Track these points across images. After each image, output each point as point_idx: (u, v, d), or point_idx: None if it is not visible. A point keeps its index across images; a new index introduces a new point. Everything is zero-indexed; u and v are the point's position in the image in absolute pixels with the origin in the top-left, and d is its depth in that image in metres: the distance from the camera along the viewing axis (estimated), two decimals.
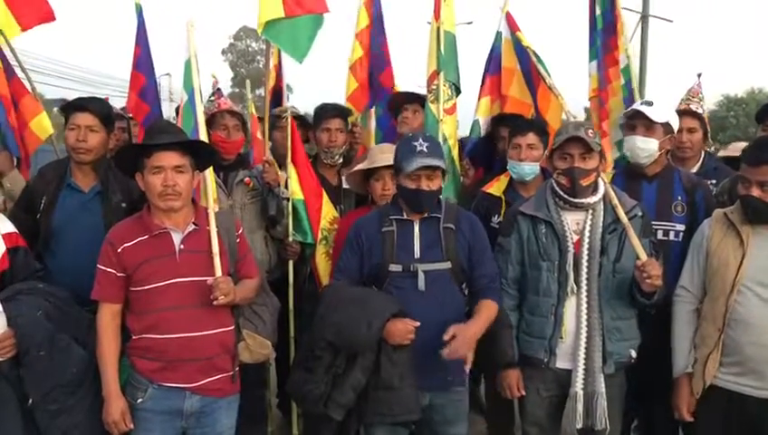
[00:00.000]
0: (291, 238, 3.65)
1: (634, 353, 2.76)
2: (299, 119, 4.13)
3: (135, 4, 3.84)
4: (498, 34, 4.04)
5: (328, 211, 3.71)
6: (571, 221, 2.76)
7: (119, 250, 2.51)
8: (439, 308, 2.63)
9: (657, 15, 18.27)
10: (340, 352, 2.58)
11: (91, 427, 2.53)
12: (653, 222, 2.93)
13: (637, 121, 3.11)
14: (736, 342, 2.53)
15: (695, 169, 3.54)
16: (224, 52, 43.59)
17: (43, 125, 4.04)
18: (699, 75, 3.85)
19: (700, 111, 3.67)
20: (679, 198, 3.10)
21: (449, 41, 3.77)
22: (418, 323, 2.54)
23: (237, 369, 2.69)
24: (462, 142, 3.98)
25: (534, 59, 3.76)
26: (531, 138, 3.40)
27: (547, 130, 3.52)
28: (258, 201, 3.56)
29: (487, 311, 2.66)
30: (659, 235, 3.02)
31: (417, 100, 4.03)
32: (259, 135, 4.06)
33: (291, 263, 3.69)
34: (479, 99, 4.07)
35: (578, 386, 2.68)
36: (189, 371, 2.53)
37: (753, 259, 2.53)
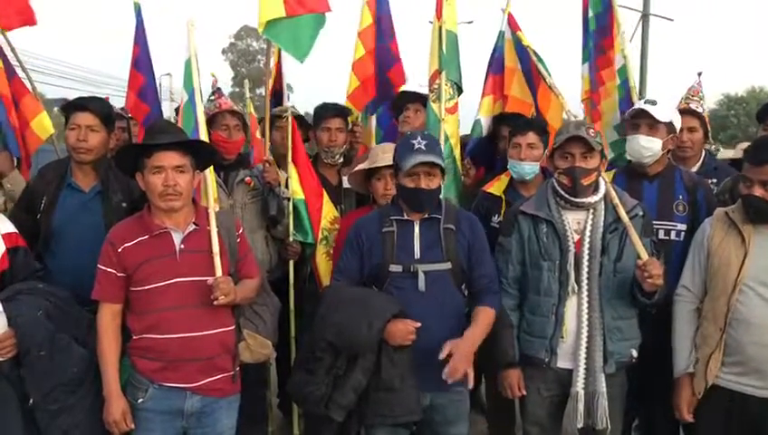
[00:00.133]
0: (291, 238, 3.65)
1: (635, 353, 2.76)
2: (298, 119, 4.12)
3: (134, 3, 3.84)
4: (501, 34, 4.04)
5: (328, 211, 3.71)
6: (572, 221, 2.76)
7: (119, 250, 2.51)
8: (439, 309, 2.63)
9: (657, 14, 18.26)
10: (340, 353, 2.58)
11: (91, 427, 2.53)
12: (654, 222, 2.93)
13: (640, 121, 3.10)
14: (738, 341, 2.52)
15: (695, 169, 3.54)
16: (224, 51, 43.66)
17: (43, 125, 4.04)
18: (699, 74, 3.84)
19: (700, 110, 3.66)
20: (680, 197, 3.10)
21: (451, 40, 3.76)
22: (419, 324, 2.54)
23: (238, 369, 2.69)
24: (463, 141, 3.98)
25: (535, 58, 3.76)
26: (531, 137, 3.39)
27: (547, 130, 3.52)
28: (259, 201, 3.56)
29: (484, 319, 2.64)
30: (661, 234, 3.02)
31: (419, 99, 4.03)
32: (258, 135, 4.06)
33: (291, 263, 3.69)
34: (481, 98, 4.06)
35: (579, 386, 2.68)
36: (190, 371, 2.53)
37: (754, 259, 2.53)
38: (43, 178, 3.11)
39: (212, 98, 3.73)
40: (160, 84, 4.62)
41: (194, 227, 2.60)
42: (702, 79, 3.82)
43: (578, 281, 2.69)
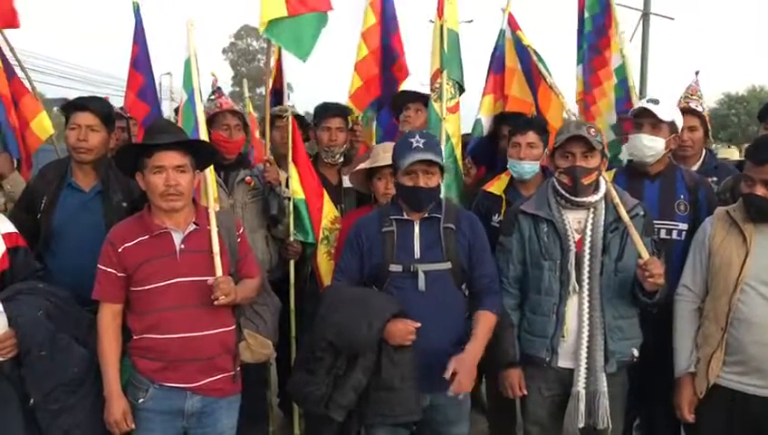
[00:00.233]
0: (292, 238, 3.65)
1: (636, 352, 2.75)
2: (298, 118, 4.12)
3: (132, 2, 3.84)
4: (501, 33, 4.03)
5: (329, 210, 3.71)
6: (573, 220, 2.76)
7: (119, 250, 2.51)
8: (440, 308, 2.63)
9: (658, 13, 18.23)
10: (340, 353, 2.58)
11: (92, 426, 2.53)
12: (656, 221, 2.93)
13: (643, 120, 3.09)
14: (739, 341, 2.52)
15: (695, 168, 3.53)
16: (224, 51, 43.67)
17: (43, 125, 4.04)
18: (697, 73, 3.85)
19: (700, 108, 3.66)
20: (682, 196, 3.09)
21: (453, 39, 3.76)
22: (419, 324, 2.53)
23: (238, 369, 2.69)
24: (464, 141, 3.97)
25: (535, 58, 3.75)
26: (530, 136, 3.39)
27: (547, 129, 3.52)
28: (259, 200, 3.56)
29: (485, 326, 2.64)
30: (662, 234, 3.02)
31: (420, 99, 4.03)
32: (258, 134, 4.06)
33: (292, 262, 3.69)
34: (482, 97, 4.06)
35: (580, 385, 2.68)
36: (190, 371, 2.53)
37: (756, 258, 2.53)
38: (44, 177, 3.11)
39: (212, 97, 3.72)
40: (160, 84, 4.62)
41: (194, 226, 2.59)
42: (700, 78, 3.82)
43: (579, 280, 2.69)
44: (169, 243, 2.55)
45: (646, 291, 2.60)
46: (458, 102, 3.80)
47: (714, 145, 6.65)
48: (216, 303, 2.50)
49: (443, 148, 3.53)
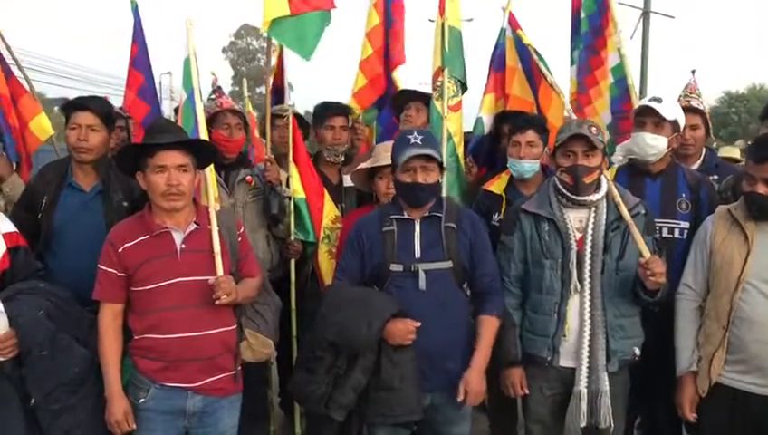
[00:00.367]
0: (292, 237, 3.64)
1: (638, 351, 2.75)
2: (297, 118, 4.12)
3: (131, 1, 3.83)
4: (502, 31, 4.03)
5: (330, 210, 3.70)
6: (574, 219, 2.75)
7: (119, 250, 2.51)
8: (440, 308, 2.62)
9: (658, 12, 18.24)
10: (341, 352, 2.58)
11: (93, 426, 2.53)
12: (657, 219, 2.93)
13: (646, 118, 3.09)
14: (741, 340, 2.52)
15: (696, 166, 3.53)
16: (224, 50, 43.66)
17: (42, 126, 4.03)
18: (693, 72, 3.85)
19: (700, 107, 3.66)
20: (683, 195, 3.09)
21: (455, 37, 3.75)
22: (419, 324, 2.53)
23: (239, 368, 2.68)
24: (465, 139, 3.97)
25: (535, 57, 3.75)
26: (530, 135, 3.38)
27: (547, 128, 3.51)
28: (260, 200, 3.56)
29: (489, 334, 2.68)
30: (664, 232, 3.01)
31: (421, 98, 4.02)
32: (256, 133, 4.05)
33: (292, 262, 3.68)
34: (483, 95, 4.06)
35: (582, 384, 2.68)
36: (191, 370, 2.52)
37: (757, 256, 2.52)
38: (44, 177, 3.11)
39: (213, 97, 3.72)
40: (160, 83, 4.61)
41: (195, 226, 2.59)
42: (700, 76, 3.82)
43: (580, 279, 2.69)
44: (170, 243, 2.55)
45: (647, 290, 2.60)
46: (460, 101, 3.79)
47: (714, 144, 6.63)
48: (216, 302, 2.49)
49: (444, 146, 3.53)
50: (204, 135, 2.96)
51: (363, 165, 3.23)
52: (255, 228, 3.51)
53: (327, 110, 3.95)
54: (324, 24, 3.47)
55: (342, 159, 3.96)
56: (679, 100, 3.63)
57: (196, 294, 2.52)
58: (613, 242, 2.70)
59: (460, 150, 3.76)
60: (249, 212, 3.52)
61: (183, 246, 2.55)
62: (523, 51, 3.88)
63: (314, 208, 3.67)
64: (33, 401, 2.46)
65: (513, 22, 3.97)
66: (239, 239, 2.75)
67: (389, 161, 2.96)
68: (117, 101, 4.14)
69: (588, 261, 2.69)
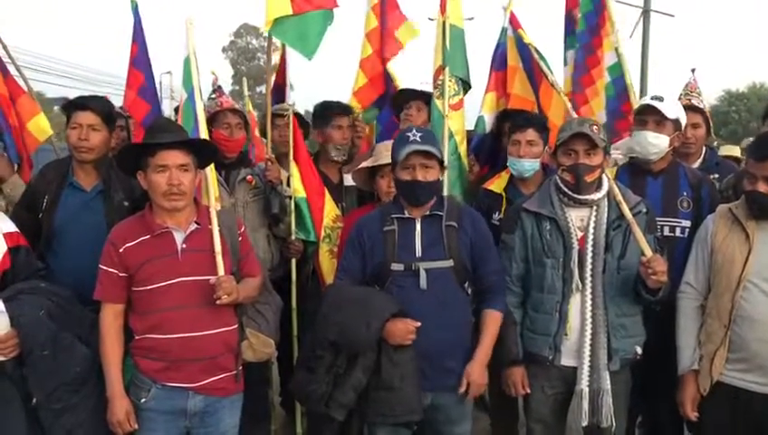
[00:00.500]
0: (293, 236, 3.64)
1: (639, 350, 2.75)
2: (297, 117, 4.12)
3: (131, 1, 3.83)
4: (503, 30, 4.02)
5: (330, 209, 3.70)
6: (576, 218, 2.75)
7: (120, 250, 2.51)
8: (441, 307, 2.62)
9: (658, 10, 18.22)
10: (341, 351, 2.58)
11: (95, 426, 2.52)
12: (659, 218, 2.93)
13: (647, 117, 3.08)
14: (742, 338, 2.52)
15: (696, 165, 3.53)
16: (224, 49, 43.65)
17: (40, 126, 4.02)
18: (693, 70, 3.85)
19: (701, 105, 3.66)
20: (685, 193, 3.09)
21: (457, 35, 3.75)
22: (419, 324, 2.53)
23: (241, 368, 2.68)
24: (467, 137, 3.96)
25: (536, 56, 3.75)
26: (530, 134, 3.38)
27: (547, 126, 3.51)
28: (260, 199, 3.56)
29: (493, 328, 2.69)
30: (665, 231, 3.01)
31: (421, 97, 4.02)
32: (256, 133, 4.05)
33: (293, 261, 3.68)
34: (484, 94, 4.05)
35: (583, 383, 2.68)
36: (193, 370, 2.52)
37: (758, 255, 2.52)
38: (45, 177, 3.11)
39: (213, 96, 3.72)
40: (160, 83, 4.61)
41: (195, 226, 2.59)
42: (700, 74, 3.82)
43: (582, 278, 2.69)
44: (171, 242, 2.55)
45: (649, 288, 2.60)
46: (462, 99, 3.78)
47: (715, 143, 6.63)
48: (218, 302, 2.49)
49: (446, 145, 3.52)
50: (204, 134, 2.96)
51: (364, 164, 3.23)
52: (256, 228, 3.51)
53: (332, 109, 3.95)
54: (327, 23, 3.48)
55: (346, 157, 3.96)
56: (680, 98, 3.63)
57: (198, 293, 2.52)
58: (615, 241, 2.70)
59: (462, 149, 3.75)
60: (250, 211, 3.52)
61: (184, 245, 2.55)
62: (524, 50, 3.88)
63: (315, 208, 3.67)
64: (34, 400, 2.46)
65: (513, 21, 3.97)
66: (240, 239, 2.74)
67: (390, 160, 2.97)
68: (117, 101, 4.14)
69: (589, 260, 2.69)
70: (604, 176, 2.78)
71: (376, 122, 4.59)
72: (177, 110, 3.72)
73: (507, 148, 3.56)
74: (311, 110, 4.42)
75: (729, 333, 2.54)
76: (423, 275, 2.62)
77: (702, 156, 3.63)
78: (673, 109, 3.09)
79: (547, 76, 3.65)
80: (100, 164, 3.07)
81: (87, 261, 2.67)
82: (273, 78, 4.32)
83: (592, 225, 2.72)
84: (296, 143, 3.70)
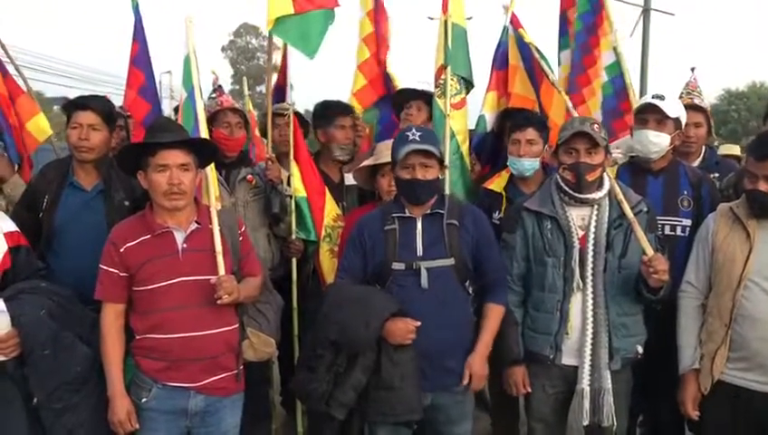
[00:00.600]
0: (294, 236, 3.64)
1: (641, 349, 2.75)
2: (297, 116, 4.12)
3: (131, 0, 3.83)
4: (505, 29, 4.02)
5: (331, 208, 3.70)
6: (577, 217, 2.75)
7: (121, 250, 2.50)
8: (442, 306, 2.62)
9: (658, 9, 18.20)
10: (341, 350, 2.58)
11: (95, 425, 2.52)
12: (660, 217, 2.93)
13: (648, 115, 3.08)
14: (743, 337, 2.52)
15: (696, 164, 3.53)
16: (224, 49, 43.64)
17: (40, 126, 4.01)
18: (693, 69, 3.85)
19: (703, 105, 3.66)
20: (685, 192, 3.09)
21: (459, 34, 3.74)
22: (419, 323, 2.53)
23: (242, 367, 2.68)
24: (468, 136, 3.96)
25: (537, 55, 3.74)
26: (530, 133, 3.37)
27: (547, 125, 3.51)
28: (261, 199, 3.55)
29: (494, 320, 2.71)
30: (666, 230, 3.01)
31: (421, 96, 4.02)
32: (256, 132, 4.04)
33: (294, 261, 3.68)
34: (486, 93, 4.05)
35: (584, 382, 2.68)
36: (193, 370, 2.52)
37: (759, 254, 2.52)
38: (45, 176, 3.11)
39: (213, 96, 3.72)
40: (160, 82, 4.60)
41: (196, 225, 2.59)
42: (700, 73, 3.83)
43: (583, 277, 2.69)
44: (171, 242, 2.54)
45: (650, 287, 2.60)
46: (464, 98, 3.77)
47: (716, 142, 6.63)
48: (218, 302, 2.49)
49: (447, 144, 3.52)
50: (204, 133, 2.95)
51: (365, 163, 3.23)
52: (257, 227, 3.51)
53: (334, 109, 3.95)
54: (328, 23, 3.48)
55: (350, 157, 3.96)
56: (682, 97, 3.63)
57: (198, 293, 2.52)
58: (616, 240, 2.70)
59: (464, 148, 3.75)
60: (250, 211, 3.52)
61: (184, 245, 2.55)
62: (525, 49, 3.88)
63: (315, 207, 3.67)
64: (35, 400, 2.45)
65: (514, 20, 3.96)
66: (240, 238, 2.74)
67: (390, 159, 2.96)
68: (117, 101, 4.14)
69: (590, 259, 2.69)
70: (605, 175, 2.78)
71: (375, 122, 4.59)
72: (176, 109, 3.72)
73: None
74: (310, 109, 4.43)
75: (730, 332, 2.54)
76: (424, 274, 2.62)
77: (702, 155, 3.63)
78: (674, 107, 3.09)
79: (548, 75, 3.65)
80: (100, 164, 3.07)
81: (87, 261, 2.66)
82: (273, 77, 4.31)
83: (593, 224, 2.72)
84: (296, 142, 3.69)
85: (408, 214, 2.70)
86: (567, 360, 2.72)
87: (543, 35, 4.03)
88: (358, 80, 4.41)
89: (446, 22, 3.69)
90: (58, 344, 2.45)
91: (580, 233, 2.72)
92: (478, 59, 4.16)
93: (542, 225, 2.77)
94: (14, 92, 3.98)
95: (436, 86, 3.74)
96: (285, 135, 3.78)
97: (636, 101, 3.67)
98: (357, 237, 2.75)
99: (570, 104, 3.37)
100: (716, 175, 3.45)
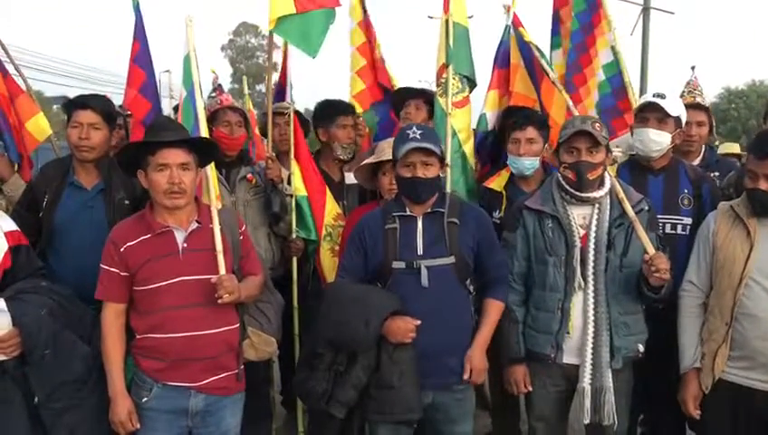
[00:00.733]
0: (294, 235, 3.64)
1: (642, 348, 2.75)
2: (296, 115, 4.11)
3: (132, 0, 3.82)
4: (506, 28, 4.01)
5: (331, 208, 3.69)
6: (578, 216, 2.75)
7: (121, 249, 2.50)
8: (443, 305, 2.62)
9: (658, 8, 18.19)
10: (341, 349, 2.58)
11: (96, 425, 2.52)
12: (660, 216, 2.93)
13: (649, 114, 3.08)
14: (744, 336, 2.51)
15: (696, 163, 3.53)
16: (223, 48, 43.62)
17: (40, 126, 4.00)
18: (693, 68, 3.85)
19: (705, 103, 3.66)
20: (686, 191, 3.09)
21: (460, 33, 3.73)
22: (419, 322, 2.53)
23: (242, 367, 2.68)
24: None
25: (537, 54, 3.74)
26: (530, 132, 3.37)
27: (548, 124, 3.50)
28: (261, 198, 3.56)
29: (493, 316, 2.71)
30: (667, 229, 3.01)
31: (420, 95, 4.01)
32: (256, 131, 4.04)
33: (294, 260, 3.68)
34: (487, 92, 4.05)
35: (585, 381, 2.68)
36: (194, 370, 2.52)
37: (760, 252, 2.52)
38: (45, 176, 3.11)
39: (213, 95, 3.72)
40: (160, 81, 4.58)
41: (196, 225, 2.58)
42: (699, 72, 3.83)
43: (584, 276, 2.68)
44: (172, 241, 2.54)
45: (651, 286, 2.60)
46: (467, 97, 3.77)
47: (716, 142, 6.64)
48: (219, 301, 2.48)
49: (449, 143, 3.51)
50: (204, 132, 2.95)
51: (367, 161, 3.23)
52: (257, 226, 3.51)
53: (335, 108, 3.96)
54: (329, 22, 3.49)
55: (352, 156, 3.96)
56: (684, 96, 3.63)
57: (199, 293, 2.51)
58: (617, 239, 2.70)
59: (466, 147, 3.73)
60: (250, 210, 3.52)
61: (185, 244, 2.54)
62: (525, 48, 3.87)
63: (316, 206, 3.66)
64: (36, 399, 2.45)
65: (514, 20, 3.96)
66: (241, 238, 2.74)
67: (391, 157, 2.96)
68: (117, 100, 4.13)
69: (591, 258, 2.69)
70: (606, 174, 2.78)
71: (375, 122, 4.59)
72: (176, 108, 3.72)
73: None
74: (309, 108, 4.42)
75: (731, 330, 2.54)
76: (424, 272, 2.62)
77: (701, 154, 3.63)
78: (675, 106, 3.09)
79: (548, 74, 3.64)
80: (100, 163, 3.07)
81: (88, 260, 2.67)
82: (273, 76, 4.31)
83: (594, 222, 2.72)
84: (297, 142, 3.69)
85: (408, 213, 2.70)
86: (568, 359, 2.72)
87: (543, 35, 4.03)
88: (356, 84, 4.42)
89: (447, 21, 3.69)
90: (59, 344, 2.45)
91: (582, 232, 2.72)
92: (479, 57, 4.16)
93: (544, 223, 2.76)
94: (14, 92, 3.97)
95: (438, 85, 3.74)
96: (285, 134, 3.78)
97: (635, 100, 3.67)
98: (357, 236, 2.75)
99: (570, 103, 3.37)
100: (716, 174, 3.44)
